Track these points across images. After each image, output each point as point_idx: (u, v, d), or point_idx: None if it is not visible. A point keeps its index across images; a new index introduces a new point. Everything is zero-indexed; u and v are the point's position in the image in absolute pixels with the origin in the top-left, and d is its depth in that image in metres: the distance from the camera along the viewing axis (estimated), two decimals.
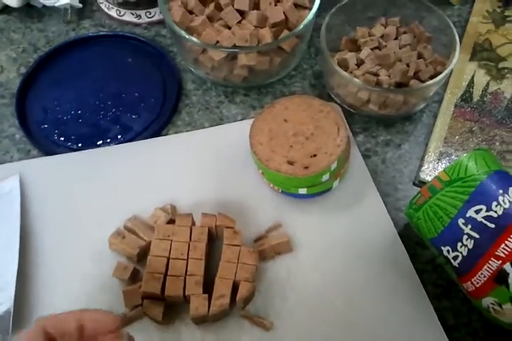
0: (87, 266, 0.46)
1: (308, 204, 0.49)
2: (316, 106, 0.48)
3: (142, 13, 0.62)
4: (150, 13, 0.62)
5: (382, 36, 0.55)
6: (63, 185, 0.51)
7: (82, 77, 0.59)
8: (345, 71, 0.50)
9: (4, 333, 0.41)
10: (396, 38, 0.55)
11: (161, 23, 0.62)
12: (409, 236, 0.47)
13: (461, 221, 0.38)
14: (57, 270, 0.46)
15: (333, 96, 0.56)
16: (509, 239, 0.36)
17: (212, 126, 0.55)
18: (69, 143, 0.54)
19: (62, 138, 0.54)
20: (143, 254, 0.45)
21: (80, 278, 0.45)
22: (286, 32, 0.52)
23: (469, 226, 0.38)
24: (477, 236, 0.37)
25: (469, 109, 0.55)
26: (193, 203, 0.49)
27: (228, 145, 0.52)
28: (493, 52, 0.59)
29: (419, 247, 0.47)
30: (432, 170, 0.51)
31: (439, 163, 0.51)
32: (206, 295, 0.41)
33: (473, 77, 0.57)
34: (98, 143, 0.54)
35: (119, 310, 0.43)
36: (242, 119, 0.56)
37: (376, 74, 0.52)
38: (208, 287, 0.42)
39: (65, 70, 0.59)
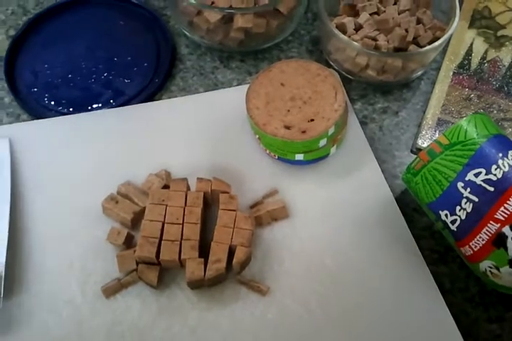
0: (80, 231, 0.45)
1: (305, 171, 0.48)
2: (314, 70, 0.47)
3: None
4: None
5: (380, 1, 0.54)
6: (54, 149, 0.50)
7: (74, 40, 0.57)
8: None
9: None
10: (395, 3, 0.54)
11: None
12: (406, 203, 0.47)
13: (460, 184, 0.38)
14: (50, 235, 0.45)
15: (330, 62, 0.55)
16: (508, 202, 0.36)
17: (207, 91, 0.54)
18: (59, 108, 0.53)
19: (52, 102, 0.53)
20: (137, 220, 0.45)
21: (73, 243, 0.45)
22: None
23: (468, 189, 0.37)
24: (476, 199, 0.37)
25: (467, 76, 0.54)
26: (188, 169, 0.48)
27: (224, 110, 0.51)
28: (492, 20, 0.58)
29: (417, 214, 0.47)
30: (429, 137, 0.50)
31: (437, 131, 0.50)
32: (202, 259, 0.41)
33: (471, 44, 0.56)
34: (89, 107, 0.53)
35: (114, 275, 0.43)
36: (237, 85, 0.55)
37: (375, 39, 0.51)
38: (203, 252, 0.42)
39: (55, 33, 0.57)
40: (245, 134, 0.50)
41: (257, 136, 0.47)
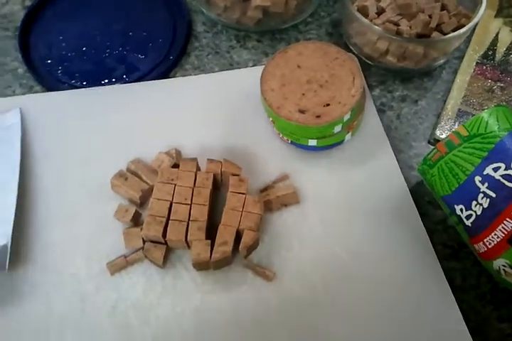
0: (88, 207, 0.45)
1: (317, 157, 0.47)
2: (332, 53, 0.46)
3: None
4: None
5: None
6: (65, 122, 0.49)
7: (90, 13, 0.56)
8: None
9: (1, 268, 0.40)
10: None
11: None
12: (421, 195, 0.46)
13: (477, 178, 0.37)
14: (58, 209, 0.45)
15: (350, 46, 0.54)
16: None
17: (221, 71, 0.53)
18: (73, 81, 0.52)
19: (66, 75, 0.52)
20: (145, 198, 0.45)
21: (80, 218, 0.45)
22: None
23: (486, 184, 0.36)
24: (493, 195, 0.36)
25: (491, 67, 0.52)
26: (199, 149, 0.48)
27: (238, 91, 0.50)
28: None
29: (431, 206, 0.46)
30: (448, 128, 0.49)
31: (456, 122, 0.49)
32: (209, 241, 0.40)
33: (497, 34, 0.54)
34: (102, 82, 0.52)
35: (119, 252, 0.43)
36: (253, 66, 0.53)
37: (397, 24, 0.49)
38: (210, 234, 0.41)
39: (72, 5, 0.57)
40: (259, 117, 0.49)
41: (271, 119, 0.46)
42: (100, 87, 0.51)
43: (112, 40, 0.54)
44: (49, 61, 0.53)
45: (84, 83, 0.52)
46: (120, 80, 0.52)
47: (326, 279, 0.42)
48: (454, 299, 0.41)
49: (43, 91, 0.52)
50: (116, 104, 0.50)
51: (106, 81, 0.52)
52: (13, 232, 0.42)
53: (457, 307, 0.41)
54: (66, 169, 0.47)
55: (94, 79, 0.52)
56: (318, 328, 0.40)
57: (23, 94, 0.52)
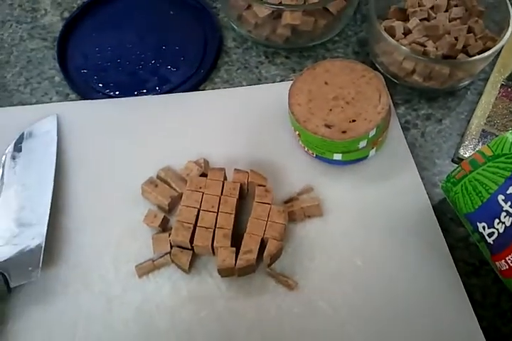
0: (119, 211, 0.47)
1: (341, 171, 0.48)
2: (359, 71, 0.47)
3: None
4: None
5: (432, 7, 0.53)
6: (99, 129, 0.51)
7: (125, 25, 0.58)
8: None
9: (35, 266, 0.42)
10: (447, 10, 0.53)
11: None
12: (444, 212, 0.46)
13: (500, 197, 0.37)
14: (90, 212, 0.47)
15: (376, 65, 0.55)
16: None
17: (250, 85, 0.54)
18: (107, 90, 0.54)
19: (100, 85, 0.54)
20: (173, 204, 0.46)
21: (111, 221, 0.46)
22: None
23: (509, 203, 0.37)
24: None
25: None
26: (226, 159, 0.49)
27: (266, 105, 0.52)
28: None
29: (453, 224, 0.46)
30: (472, 147, 0.50)
31: (480, 142, 0.50)
32: (234, 248, 0.41)
33: None
34: (135, 92, 0.54)
35: (147, 256, 0.44)
36: (281, 81, 0.55)
37: (423, 45, 0.51)
38: (235, 242, 0.42)
39: (108, 18, 0.59)
40: (285, 131, 0.50)
41: (297, 133, 0.47)
42: (133, 97, 0.53)
43: (146, 52, 0.56)
44: (85, 71, 0.55)
45: (118, 93, 0.54)
46: (152, 91, 0.54)
47: (345, 290, 0.43)
48: (474, 316, 0.41)
49: (78, 99, 0.54)
50: (148, 113, 0.52)
51: (139, 91, 0.54)
52: (47, 233, 0.44)
53: (477, 324, 0.41)
54: (99, 174, 0.49)
55: (127, 89, 0.54)
56: (337, 337, 0.41)
57: (60, 101, 0.54)
